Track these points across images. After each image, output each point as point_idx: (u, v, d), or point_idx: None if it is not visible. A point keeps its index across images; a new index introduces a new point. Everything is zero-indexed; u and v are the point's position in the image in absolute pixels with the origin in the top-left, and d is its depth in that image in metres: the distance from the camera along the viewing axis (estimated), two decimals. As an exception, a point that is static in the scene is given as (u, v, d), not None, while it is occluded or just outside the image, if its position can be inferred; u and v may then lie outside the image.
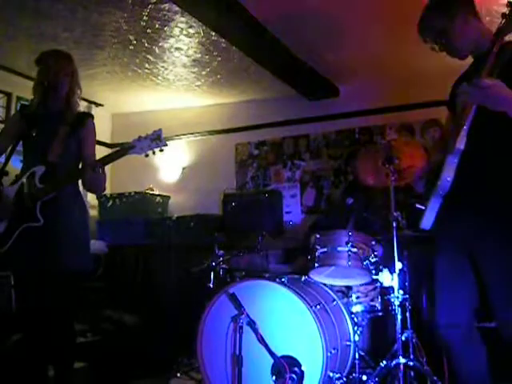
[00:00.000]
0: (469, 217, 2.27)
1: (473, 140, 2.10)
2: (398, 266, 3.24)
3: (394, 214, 3.29)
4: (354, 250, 3.37)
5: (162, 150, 2.71)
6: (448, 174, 2.13)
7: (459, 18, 2.30)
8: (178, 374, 3.87)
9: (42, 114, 2.93)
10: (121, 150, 2.73)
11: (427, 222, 2.25)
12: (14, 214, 2.80)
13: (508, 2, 2.14)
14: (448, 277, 2.40)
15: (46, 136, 2.88)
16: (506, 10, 2.14)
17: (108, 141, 6.75)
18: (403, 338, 3.26)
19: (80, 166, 2.99)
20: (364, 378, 3.31)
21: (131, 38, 4.52)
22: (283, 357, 2.85)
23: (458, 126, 2.13)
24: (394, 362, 3.18)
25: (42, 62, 2.95)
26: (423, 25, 2.40)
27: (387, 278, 3.32)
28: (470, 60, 2.43)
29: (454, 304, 2.36)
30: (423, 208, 2.27)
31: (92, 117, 3.09)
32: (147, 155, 2.71)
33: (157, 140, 2.69)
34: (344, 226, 4.26)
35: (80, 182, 2.94)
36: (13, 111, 5.49)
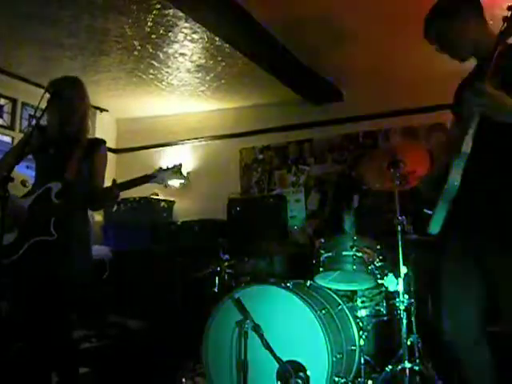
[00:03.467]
0: (476, 221, 2.26)
1: (479, 144, 2.10)
2: (403, 270, 3.23)
3: (399, 218, 3.29)
4: (359, 254, 3.37)
5: (181, 184, 2.88)
6: (455, 178, 2.13)
7: (461, 18, 2.31)
8: (184, 380, 3.85)
9: (58, 136, 3.00)
10: (143, 178, 2.84)
11: (435, 226, 2.24)
12: (26, 226, 2.83)
13: (508, 5, 2.14)
14: (455, 281, 2.38)
15: (62, 155, 2.95)
16: (507, 13, 2.14)
17: (113, 146, 6.77)
18: (408, 343, 3.25)
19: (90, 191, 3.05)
20: (369, 382, 3.30)
21: (136, 43, 4.54)
22: (288, 362, 2.84)
23: (464, 129, 2.13)
24: (399, 367, 3.17)
25: (57, 90, 2.95)
26: (427, 25, 2.42)
27: (392, 283, 3.31)
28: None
29: (460, 309, 2.35)
30: (430, 213, 2.26)
31: (104, 142, 3.17)
32: (166, 186, 2.88)
33: (177, 173, 2.85)
34: (339, 228, 4.27)
35: None
36: (18, 117, 5.53)
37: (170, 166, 2.85)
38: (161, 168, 2.86)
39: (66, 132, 3.00)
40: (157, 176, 2.82)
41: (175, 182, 2.85)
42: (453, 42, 2.35)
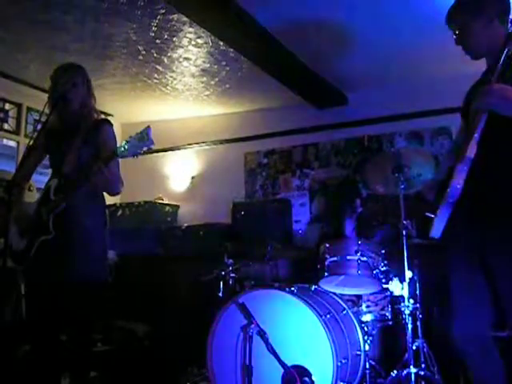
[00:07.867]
0: (479, 225, 2.25)
1: (484, 149, 2.09)
2: (409, 274, 3.22)
3: (404, 222, 3.28)
4: (364, 258, 3.36)
5: (150, 149, 2.58)
6: (457, 182, 2.11)
7: (483, 17, 2.29)
8: (188, 384, 3.87)
9: (58, 128, 2.91)
10: (111, 155, 2.63)
11: (436, 230, 2.23)
12: (33, 229, 2.81)
13: None
14: (462, 287, 2.36)
15: (63, 149, 2.86)
16: None
17: (118, 150, 6.78)
18: (414, 347, 3.24)
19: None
20: (375, 387, 3.30)
21: (140, 48, 4.55)
22: (293, 366, 2.84)
23: (469, 134, 2.12)
24: (405, 372, 3.17)
25: (52, 76, 2.96)
26: (450, 14, 2.41)
27: (397, 287, 3.31)
28: (483, 67, 2.43)
29: (469, 315, 2.32)
30: (432, 216, 2.25)
31: (108, 122, 2.97)
32: (137, 156, 2.60)
33: (143, 139, 2.56)
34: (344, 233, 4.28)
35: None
36: (23, 122, 5.55)
37: (138, 132, 2.59)
38: (126, 141, 2.58)
39: (65, 121, 2.90)
40: (128, 150, 2.56)
41: (145, 149, 2.56)
42: (472, 39, 2.33)
